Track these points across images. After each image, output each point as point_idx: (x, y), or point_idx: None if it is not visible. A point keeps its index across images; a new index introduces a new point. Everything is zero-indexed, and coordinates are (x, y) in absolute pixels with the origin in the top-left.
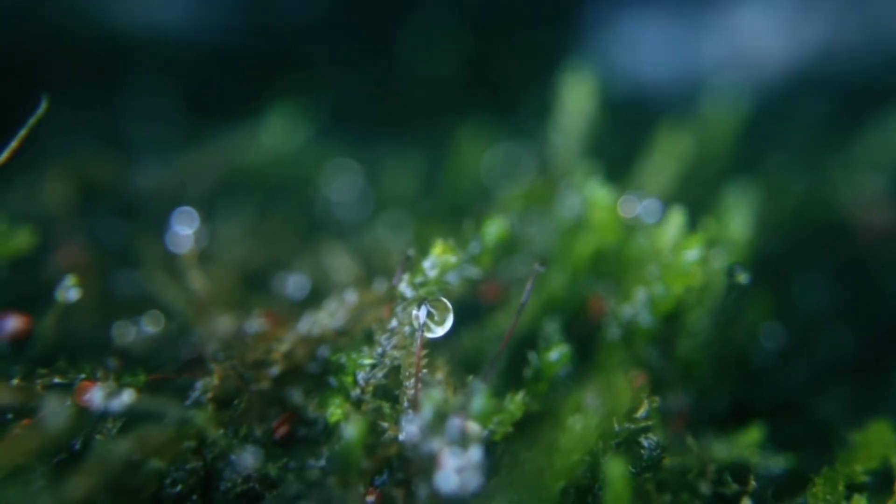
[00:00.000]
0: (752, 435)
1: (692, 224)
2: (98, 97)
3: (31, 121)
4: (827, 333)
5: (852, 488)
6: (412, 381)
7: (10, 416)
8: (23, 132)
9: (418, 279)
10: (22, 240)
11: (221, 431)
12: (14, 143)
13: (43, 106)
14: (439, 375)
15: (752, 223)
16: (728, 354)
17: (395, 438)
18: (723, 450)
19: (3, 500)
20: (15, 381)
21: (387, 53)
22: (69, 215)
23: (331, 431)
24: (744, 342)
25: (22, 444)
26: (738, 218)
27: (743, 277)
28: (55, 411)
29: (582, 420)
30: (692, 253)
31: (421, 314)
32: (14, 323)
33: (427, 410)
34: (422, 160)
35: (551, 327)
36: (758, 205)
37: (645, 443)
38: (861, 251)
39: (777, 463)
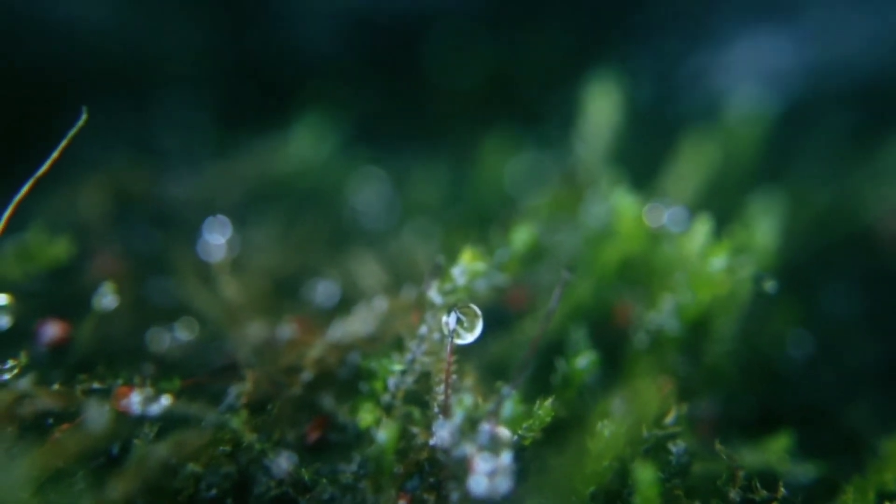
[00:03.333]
0: (781, 442)
1: (718, 232)
2: (129, 108)
3: (72, 132)
4: (854, 341)
5: (883, 497)
6: (442, 386)
7: (51, 420)
8: (63, 143)
9: (447, 286)
10: (61, 248)
11: (255, 436)
12: (55, 154)
13: (83, 118)
14: (468, 381)
15: (778, 231)
16: (755, 362)
17: (426, 443)
18: (751, 456)
19: (46, 502)
20: (55, 387)
21: (411, 64)
22: (105, 224)
23: (362, 436)
24: (771, 349)
25: (63, 447)
26: (765, 226)
27: (770, 285)
28: (95, 415)
29: (611, 426)
30: (719, 261)
31: (451, 321)
32: (54, 330)
33: (458, 416)
34: (447, 169)
35: (579, 334)
36: (783, 214)
37: (673, 449)
38: (886, 260)
39: (806, 470)
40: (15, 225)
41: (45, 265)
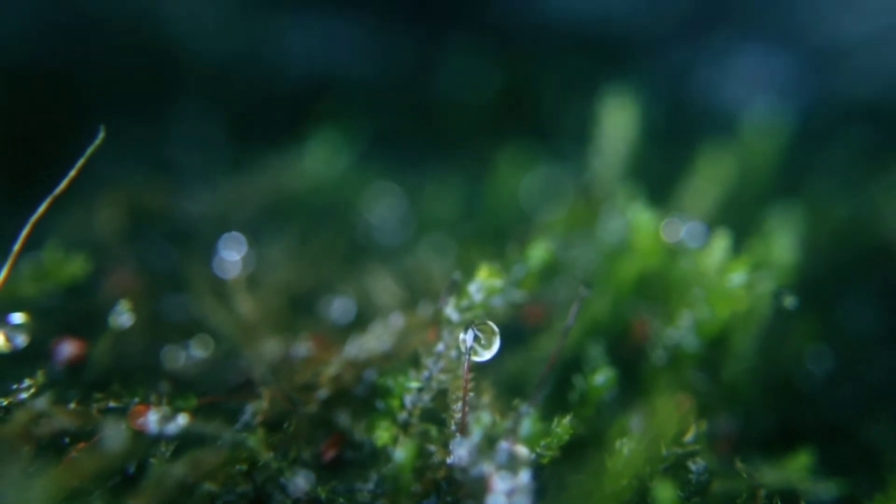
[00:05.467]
0: (802, 460)
1: (737, 247)
2: (144, 125)
3: (89, 150)
4: (874, 357)
5: None
6: (459, 404)
7: (67, 439)
8: (81, 161)
9: (464, 303)
10: (77, 266)
11: (271, 454)
12: (73, 173)
13: (100, 136)
14: (486, 399)
15: (796, 246)
16: (775, 378)
17: (444, 462)
18: (772, 474)
19: None
20: (72, 406)
21: (426, 79)
22: (120, 241)
23: (378, 454)
24: (790, 366)
25: (80, 466)
26: (783, 241)
27: (789, 301)
28: (112, 435)
29: (629, 444)
30: (738, 276)
31: (468, 338)
32: (70, 348)
33: (476, 434)
34: (462, 183)
35: (596, 351)
36: (801, 228)
37: (693, 467)
38: None
39: (828, 488)
40: (31, 243)
41: (62, 283)
